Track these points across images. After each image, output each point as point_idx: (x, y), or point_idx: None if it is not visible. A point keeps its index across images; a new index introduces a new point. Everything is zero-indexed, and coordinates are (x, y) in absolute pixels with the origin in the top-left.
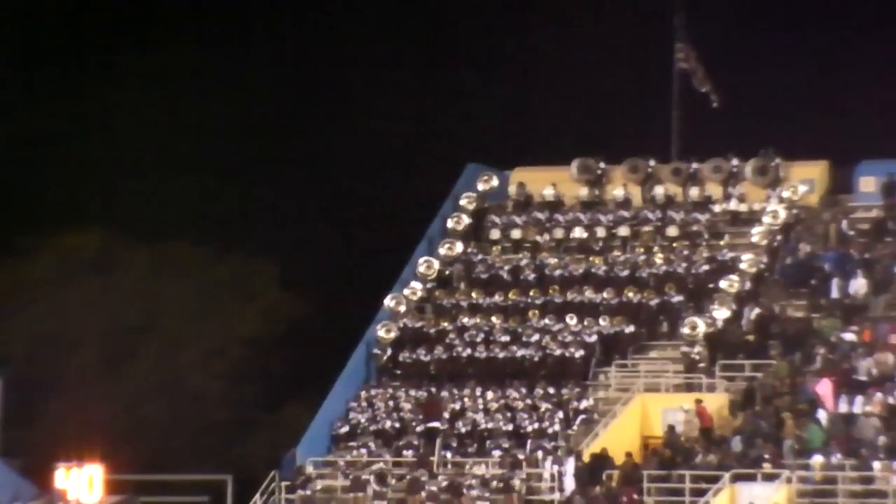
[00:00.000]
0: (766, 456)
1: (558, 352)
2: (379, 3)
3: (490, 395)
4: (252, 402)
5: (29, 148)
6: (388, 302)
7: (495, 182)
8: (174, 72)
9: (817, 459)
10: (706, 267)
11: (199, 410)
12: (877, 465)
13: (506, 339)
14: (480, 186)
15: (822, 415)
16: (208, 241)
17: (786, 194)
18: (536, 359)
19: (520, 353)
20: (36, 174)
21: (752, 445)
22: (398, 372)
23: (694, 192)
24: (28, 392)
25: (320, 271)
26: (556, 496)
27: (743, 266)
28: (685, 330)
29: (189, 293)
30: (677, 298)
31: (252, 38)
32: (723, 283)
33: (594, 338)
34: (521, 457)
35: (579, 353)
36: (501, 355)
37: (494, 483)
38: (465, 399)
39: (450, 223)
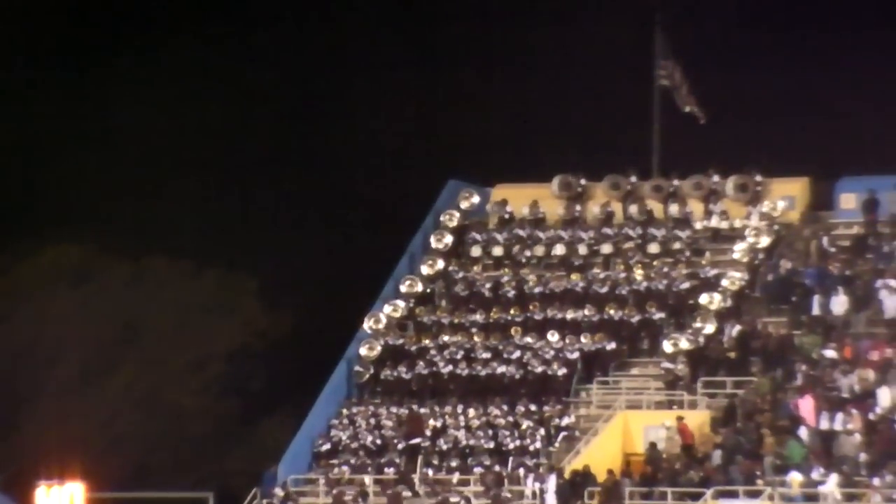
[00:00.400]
0: (758, 472)
1: (539, 369)
2: (364, 21)
3: (472, 412)
4: (231, 418)
5: (6, 163)
6: (368, 321)
7: (476, 199)
8: (157, 80)
9: (795, 477)
10: (687, 284)
11: (179, 425)
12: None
13: (487, 356)
14: (462, 204)
15: (803, 431)
16: (188, 256)
17: (766, 211)
18: (518, 376)
19: (500, 369)
20: (14, 188)
21: (732, 462)
22: (379, 389)
23: (674, 208)
24: (6, 408)
25: (300, 287)
26: None
27: (724, 283)
28: (667, 347)
29: (168, 307)
30: (658, 315)
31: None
32: (703, 300)
33: (576, 354)
34: (503, 474)
35: (561, 371)
36: (483, 372)
37: (481, 500)
38: (447, 416)
39: (432, 241)
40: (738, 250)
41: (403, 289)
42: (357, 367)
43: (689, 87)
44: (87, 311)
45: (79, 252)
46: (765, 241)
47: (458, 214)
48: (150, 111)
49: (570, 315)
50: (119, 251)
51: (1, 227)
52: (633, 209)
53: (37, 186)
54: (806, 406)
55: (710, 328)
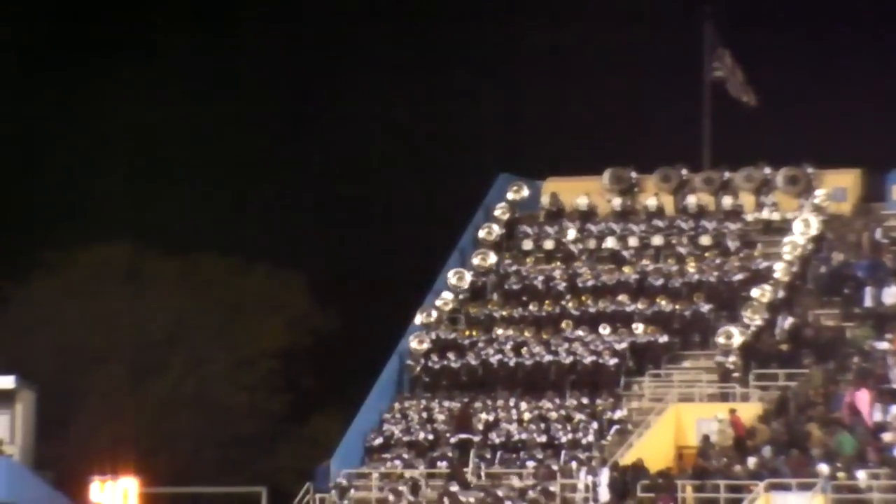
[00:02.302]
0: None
1: (589, 359)
2: (409, 13)
3: (524, 405)
4: (281, 415)
5: (55, 161)
6: (420, 315)
7: (526, 191)
8: (189, 76)
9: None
10: (739, 276)
11: (228, 423)
12: None
13: (538, 349)
14: (511, 195)
15: (858, 424)
16: (236, 253)
17: (817, 203)
18: (568, 367)
19: (548, 359)
20: (62, 187)
21: (781, 454)
22: (430, 381)
23: (726, 201)
24: (59, 405)
25: (350, 282)
26: None
27: (776, 275)
28: (719, 339)
29: (217, 305)
30: (709, 307)
31: (265, 41)
32: (755, 293)
33: (624, 345)
34: (554, 467)
35: (612, 361)
36: (531, 364)
37: (531, 493)
38: (499, 410)
39: (481, 233)
40: (790, 242)
41: (454, 282)
42: (408, 361)
43: (743, 75)
44: (136, 309)
45: (128, 250)
46: (816, 233)
47: (507, 207)
48: (185, 107)
49: (621, 308)
50: (168, 249)
51: (50, 225)
52: (689, 200)
53: (85, 185)
54: (862, 399)
55: (761, 321)
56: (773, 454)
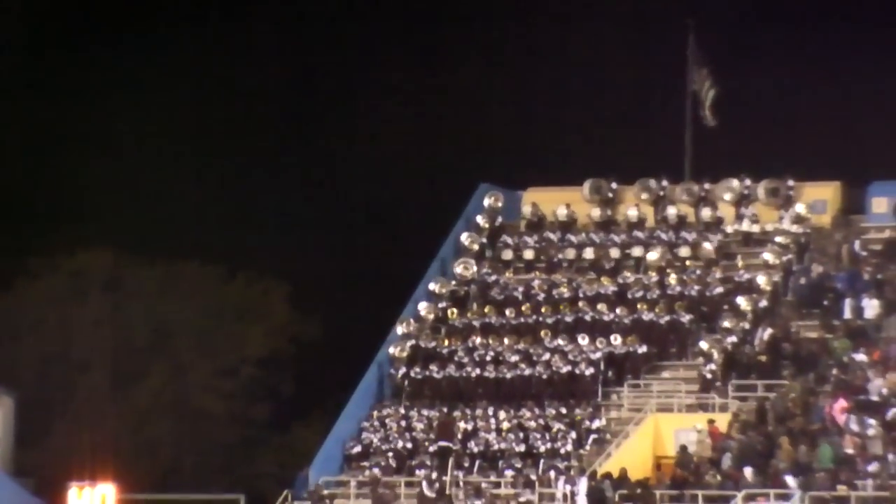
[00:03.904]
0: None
1: (565, 369)
2: (386, 21)
3: (502, 414)
4: (261, 422)
5: (37, 167)
6: (400, 324)
7: (503, 200)
8: (181, 83)
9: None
10: (719, 288)
11: (209, 430)
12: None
13: (516, 358)
14: (487, 203)
15: (835, 435)
16: (217, 261)
17: (798, 215)
18: (545, 377)
19: (528, 371)
20: (44, 194)
21: (744, 465)
22: (410, 390)
23: (706, 212)
24: (38, 412)
25: (330, 291)
26: None
27: (756, 287)
28: (702, 346)
29: (198, 313)
30: (689, 318)
31: (254, 49)
32: (735, 303)
33: (599, 354)
34: (533, 477)
35: (588, 371)
36: (510, 375)
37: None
38: (478, 419)
39: (465, 242)
40: (770, 254)
41: (435, 292)
42: (390, 370)
43: (715, 94)
44: (118, 316)
45: (110, 257)
46: (796, 246)
47: (488, 217)
48: (174, 113)
49: (600, 317)
50: (150, 256)
51: (32, 232)
52: (669, 212)
53: (68, 191)
54: (839, 409)
55: (741, 332)
56: (737, 465)
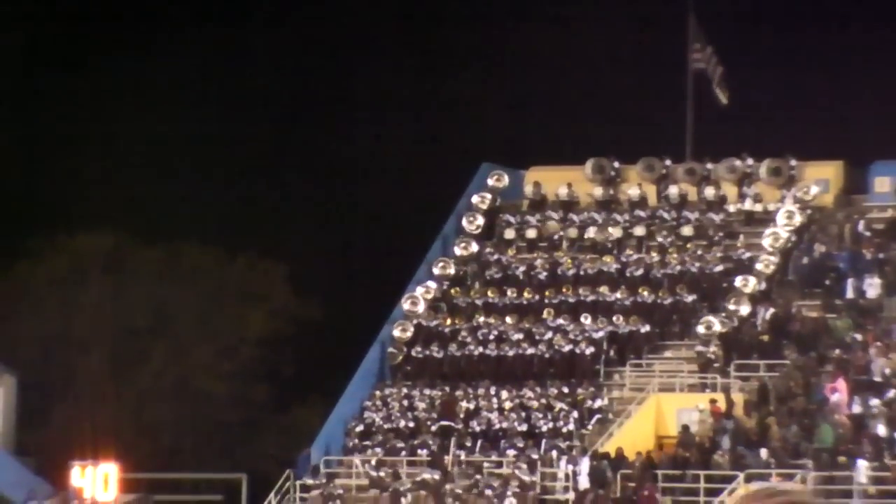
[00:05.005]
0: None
1: (567, 348)
2: (393, 3)
3: (504, 394)
4: (262, 403)
5: (38, 150)
6: (404, 303)
7: (506, 180)
8: (181, 72)
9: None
10: (720, 267)
11: (210, 411)
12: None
13: (518, 337)
14: (490, 182)
15: (835, 414)
16: (218, 243)
17: (800, 195)
18: (547, 356)
19: (530, 351)
20: (46, 176)
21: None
22: (411, 371)
23: (709, 191)
24: (41, 392)
25: (331, 271)
26: (571, 496)
27: (758, 266)
28: (700, 329)
29: (199, 294)
30: (691, 298)
31: (256, 38)
32: (737, 283)
33: (601, 333)
34: (535, 456)
35: (589, 350)
36: (511, 354)
37: (513, 483)
38: (480, 398)
39: (464, 222)
40: (771, 233)
41: (437, 271)
42: (391, 349)
43: (722, 72)
44: (119, 298)
45: (111, 240)
46: (798, 225)
47: (489, 196)
48: (177, 98)
49: (603, 297)
50: (149, 239)
51: (33, 214)
52: (672, 191)
53: (68, 174)
54: (840, 389)
55: (743, 311)
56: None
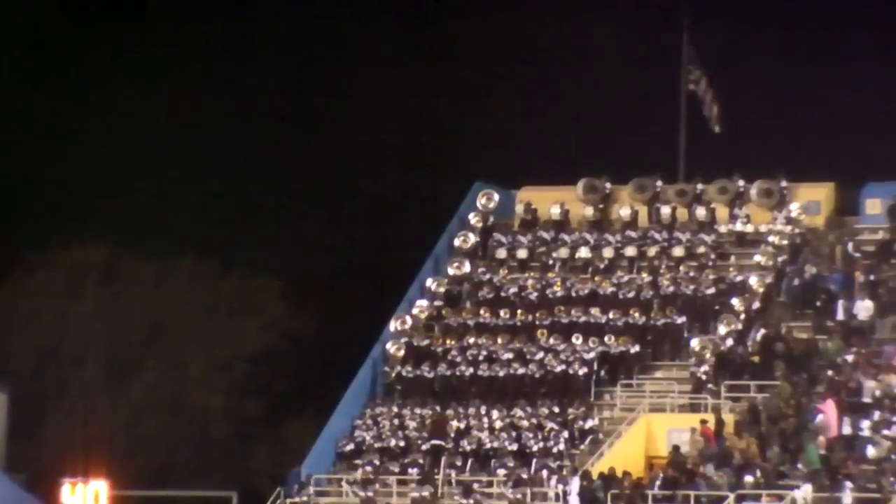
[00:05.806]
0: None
1: (559, 368)
2: (383, 19)
3: (495, 413)
4: (256, 418)
5: (33, 161)
6: (395, 322)
7: (497, 199)
8: (175, 79)
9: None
10: (712, 288)
11: (203, 425)
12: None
13: (509, 356)
14: (481, 202)
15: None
16: (213, 256)
17: (791, 216)
18: (538, 376)
19: (521, 370)
20: (40, 188)
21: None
22: (402, 389)
23: (700, 212)
24: (32, 406)
25: (325, 288)
26: None
27: (749, 287)
28: (691, 350)
29: (193, 308)
30: (682, 319)
31: (251, 48)
32: (730, 304)
33: (592, 354)
34: (525, 476)
35: (581, 371)
36: (502, 374)
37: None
38: (471, 417)
39: (456, 242)
40: (763, 254)
41: (429, 290)
42: (385, 368)
43: (713, 96)
44: (112, 310)
45: (105, 252)
46: (789, 246)
47: (481, 215)
48: (170, 111)
49: (594, 318)
50: (145, 251)
51: (28, 226)
52: (663, 211)
53: (64, 186)
54: (829, 411)
55: (734, 332)
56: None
